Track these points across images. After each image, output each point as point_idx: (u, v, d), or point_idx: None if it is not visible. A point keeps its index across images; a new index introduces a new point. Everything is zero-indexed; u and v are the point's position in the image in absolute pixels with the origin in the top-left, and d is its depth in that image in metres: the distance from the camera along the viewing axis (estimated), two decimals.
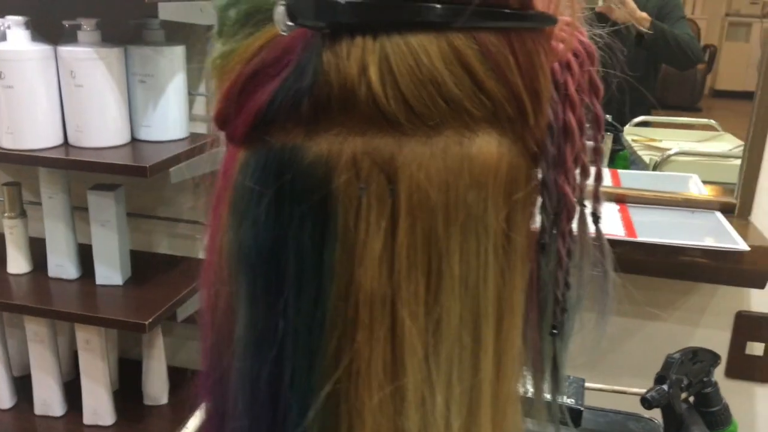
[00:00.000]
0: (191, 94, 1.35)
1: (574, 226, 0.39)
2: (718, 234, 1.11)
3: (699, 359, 0.70)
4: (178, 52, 1.26)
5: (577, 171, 0.38)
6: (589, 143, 0.39)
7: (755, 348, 1.25)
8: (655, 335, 1.29)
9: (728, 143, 1.60)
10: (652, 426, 0.70)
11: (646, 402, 0.65)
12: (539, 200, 0.38)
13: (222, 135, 0.41)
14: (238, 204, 0.34)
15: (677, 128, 1.74)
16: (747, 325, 1.24)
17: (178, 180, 1.24)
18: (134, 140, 1.28)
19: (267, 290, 0.34)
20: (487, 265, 0.34)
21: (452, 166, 0.32)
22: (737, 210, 1.19)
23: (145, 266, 1.38)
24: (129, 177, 1.29)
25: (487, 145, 0.33)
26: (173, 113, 1.29)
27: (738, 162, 1.26)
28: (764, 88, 1.15)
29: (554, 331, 0.40)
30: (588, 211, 0.39)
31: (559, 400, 0.42)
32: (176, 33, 1.29)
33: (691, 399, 0.68)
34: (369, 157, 0.31)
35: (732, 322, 1.26)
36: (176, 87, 1.27)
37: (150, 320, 1.19)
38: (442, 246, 0.32)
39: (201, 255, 1.47)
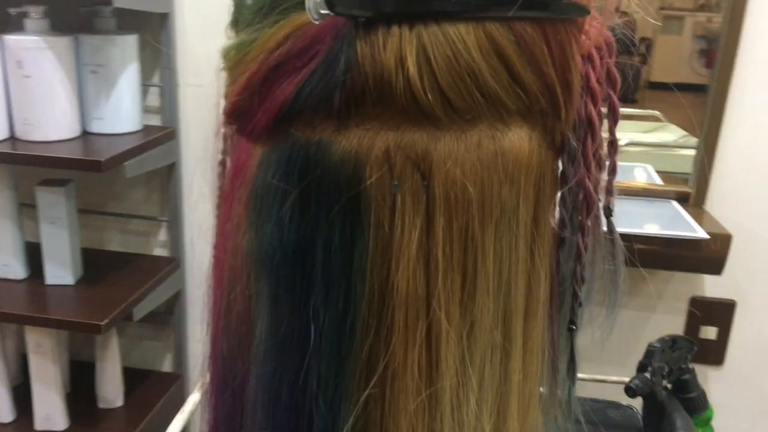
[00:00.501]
0: (144, 85, 1.30)
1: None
2: (677, 222, 1.14)
3: (678, 346, 0.71)
4: (130, 41, 1.21)
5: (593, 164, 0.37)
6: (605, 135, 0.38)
7: (709, 332, 1.30)
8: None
9: (672, 134, 1.64)
10: (630, 413, 0.71)
11: (630, 390, 0.65)
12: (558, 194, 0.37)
13: (228, 129, 0.39)
14: (258, 203, 0.33)
15: (623, 119, 1.78)
16: (700, 310, 1.28)
17: (133, 174, 1.19)
18: (85, 133, 1.23)
19: (291, 292, 0.32)
20: (518, 261, 0.33)
21: (486, 161, 0.31)
22: (692, 199, 1.23)
23: (97, 265, 1.33)
24: (79, 172, 1.23)
25: (519, 140, 0.32)
26: (126, 105, 1.24)
27: (684, 152, 1.29)
28: (718, 81, 1.18)
29: (572, 327, 0.40)
30: (601, 204, 0.39)
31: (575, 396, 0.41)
32: (129, 21, 1.24)
33: (669, 386, 0.70)
34: (402, 153, 0.30)
35: (686, 308, 1.30)
36: (129, 78, 1.22)
37: (106, 321, 1.15)
38: (478, 243, 0.31)
39: (156, 252, 1.43)
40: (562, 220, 0.38)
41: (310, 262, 0.32)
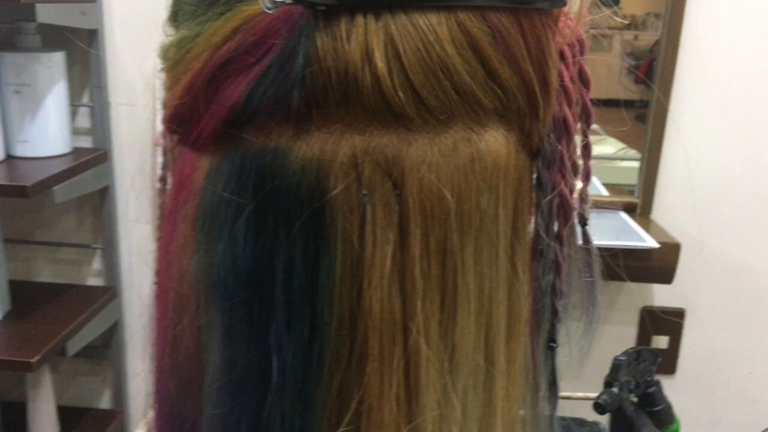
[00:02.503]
0: (73, 105, 1.24)
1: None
2: (626, 233, 1.14)
3: (642, 359, 0.70)
4: (57, 58, 1.15)
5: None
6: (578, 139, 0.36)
7: (660, 341, 1.30)
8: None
9: (611, 146, 1.67)
10: (597, 429, 0.69)
11: (600, 407, 0.64)
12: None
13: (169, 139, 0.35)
14: (207, 220, 0.29)
15: None
16: (651, 320, 1.29)
17: (63, 200, 1.12)
18: (9, 157, 1.16)
19: (249, 322, 0.28)
20: (499, 276, 0.30)
21: (463, 166, 0.28)
22: (639, 209, 1.23)
23: (26, 297, 1.25)
24: (4, 198, 1.16)
25: (496, 142, 0.29)
26: (53, 126, 1.17)
27: (625, 164, 1.32)
28: (659, 97, 1.20)
29: (553, 344, 0.37)
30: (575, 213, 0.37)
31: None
32: (54, 38, 1.17)
33: (635, 400, 0.69)
34: (371, 158, 0.27)
35: (637, 318, 1.30)
36: (56, 97, 1.16)
37: (37, 357, 1.07)
38: (457, 258, 0.28)
39: (89, 281, 1.35)
40: (537, 230, 0.35)
41: (268, 285, 0.28)
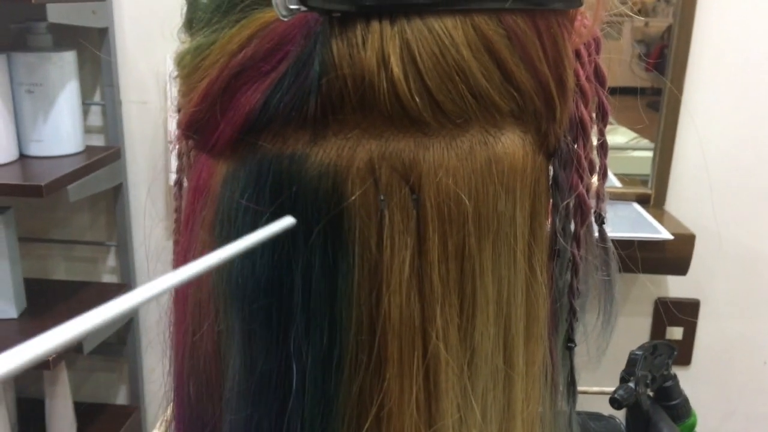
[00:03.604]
0: (85, 103, 1.24)
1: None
2: (640, 224, 1.13)
3: (659, 353, 0.70)
4: (68, 58, 1.15)
5: None
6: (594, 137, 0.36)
7: (675, 333, 1.29)
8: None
9: (624, 136, 1.66)
10: (613, 424, 0.69)
11: (616, 402, 0.63)
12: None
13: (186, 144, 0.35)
14: (225, 226, 0.29)
15: None
16: (666, 311, 1.28)
17: (77, 198, 1.13)
18: (23, 157, 1.16)
19: (268, 327, 0.29)
20: (517, 278, 0.30)
21: (480, 169, 0.28)
22: (653, 200, 1.22)
23: (41, 295, 1.26)
24: (19, 198, 1.16)
25: (513, 145, 0.29)
26: (66, 125, 1.18)
27: (637, 153, 1.30)
28: (672, 86, 1.19)
29: (571, 344, 0.37)
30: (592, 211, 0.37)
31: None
32: (65, 37, 1.18)
33: (651, 394, 0.68)
34: (388, 164, 0.27)
35: (652, 309, 1.29)
36: (68, 96, 1.16)
37: (54, 355, 1.07)
38: (475, 262, 0.28)
39: (104, 278, 1.36)
40: (554, 230, 0.35)
41: (287, 291, 0.28)
